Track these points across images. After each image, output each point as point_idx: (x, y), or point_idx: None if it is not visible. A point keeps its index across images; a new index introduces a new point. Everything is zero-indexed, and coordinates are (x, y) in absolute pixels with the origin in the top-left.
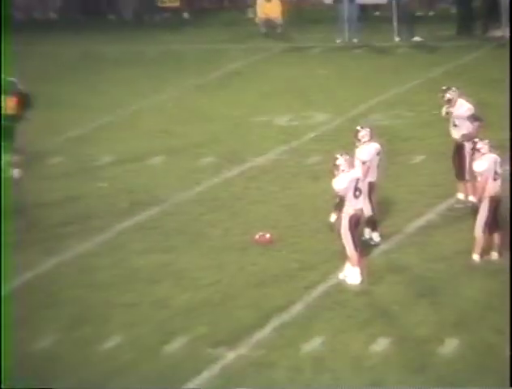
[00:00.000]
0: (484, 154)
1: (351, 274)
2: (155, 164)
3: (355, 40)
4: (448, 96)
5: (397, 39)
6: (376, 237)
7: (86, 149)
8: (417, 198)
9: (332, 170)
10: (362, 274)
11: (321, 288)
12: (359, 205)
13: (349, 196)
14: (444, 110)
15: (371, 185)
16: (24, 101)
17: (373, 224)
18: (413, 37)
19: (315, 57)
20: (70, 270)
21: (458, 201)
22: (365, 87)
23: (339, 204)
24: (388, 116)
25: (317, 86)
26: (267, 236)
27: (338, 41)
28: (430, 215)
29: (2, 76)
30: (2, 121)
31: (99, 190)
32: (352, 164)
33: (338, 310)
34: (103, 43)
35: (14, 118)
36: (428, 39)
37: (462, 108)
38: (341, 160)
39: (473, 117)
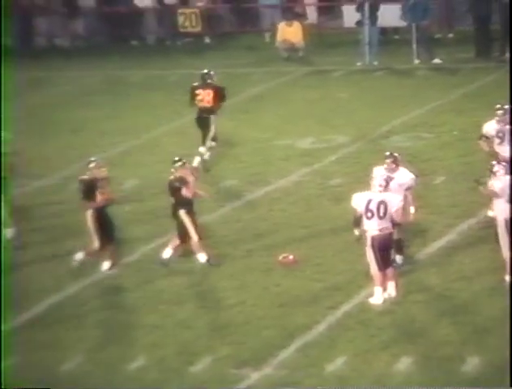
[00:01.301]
0: (499, 176)
1: (374, 293)
2: None
3: (375, 63)
4: (502, 112)
5: (416, 61)
6: (399, 259)
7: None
8: (438, 219)
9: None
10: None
11: (344, 308)
12: (372, 226)
13: (363, 216)
14: (494, 128)
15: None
16: (220, 94)
17: (398, 246)
18: (433, 59)
19: (336, 80)
20: (96, 292)
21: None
22: (386, 109)
23: (356, 221)
24: (408, 137)
25: (339, 108)
26: (291, 257)
27: (358, 64)
28: (451, 236)
29: None
30: (199, 115)
31: (123, 214)
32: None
33: (361, 330)
34: (126, 68)
35: (211, 110)
36: (447, 61)
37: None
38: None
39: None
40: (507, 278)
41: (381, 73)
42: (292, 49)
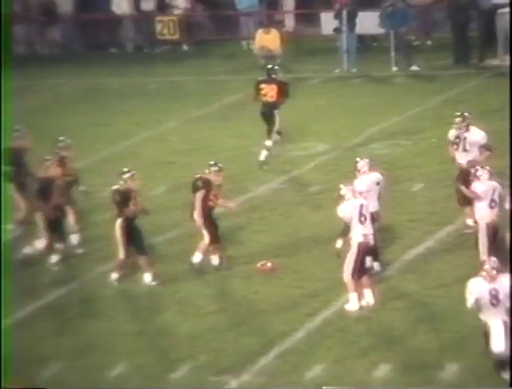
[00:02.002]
0: (483, 180)
1: (350, 300)
2: (157, 194)
3: (353, 70)
4: (465, 120)
5: (394, 68)
6: (377, 266)
7: (89, 180)
8: (416, 226)
9: (337, 200)
10: (360, 300)
11: (323, 316)
12: (365, 231)
13: (355, 223)
14: (453, 134)
15: (372, 216)
16: (284, 89)
17: (374, 253)
18: (411, 66)
19: (314, 88)
20: (75, 299)
21: (467, 226)
22: (364, 116)
23: (345, 231)
24: (386, 145)
25: (317, 116)
26: (269, 264)
27: (336, 71)
28: (429, 243)
29: None
30: (263, 109)
31: (102, 221)
32: (355, 193)
33: (339, 337)
34: (105, 76)
35: (275, 105)
36: (425, 68)
37: (478, 134)
38: (345, 190)
39: (486, 146)
40: None
41: (359, 80)
42: (269, 56)
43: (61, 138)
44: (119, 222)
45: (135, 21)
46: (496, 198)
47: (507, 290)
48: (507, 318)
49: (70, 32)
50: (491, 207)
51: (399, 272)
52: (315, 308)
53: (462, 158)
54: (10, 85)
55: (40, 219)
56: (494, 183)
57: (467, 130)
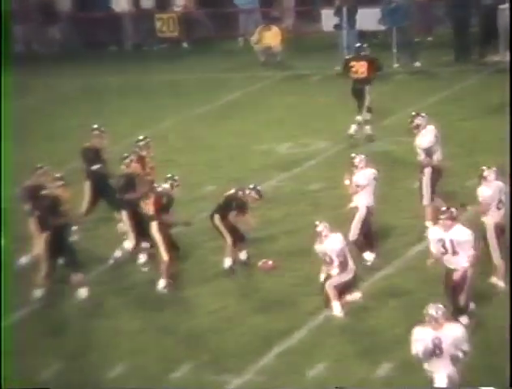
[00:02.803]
0: (490, 181)
1: (334, 309)
2: None
3: None
4: (417, 121)
5: (396, 65)
6: (370, 256)
7: None
8: (417, 223)
9: (314, 237)
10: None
11: (324, 314)
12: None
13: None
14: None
15: (369, 210)
16: (375, 65)
17: (370, 244)
18: (414, 62)
19: (315, 85)
20: (75, 298)
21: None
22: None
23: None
24: (388, 142)
25: (317, 113)
26: (270, 262)
27: (337, 68)
28: None
29: None
30: (354, 85)
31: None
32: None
33: (341, 336)
34: (104, 74)
35: (366, 81)
36: (426, 65)
37: (425, 138)
38: (321, 227)
39: (429, 151)
40: (493, 280)
41: None
42: (269, 53)
43: (141, 137)
44: (154, 224)
45: (134, 19)
46: (503, 198)
47: (451, 340)
48: (452, 370)
49: (69, 30)
50: (498, 208)
51: (400, 270)
52: (317, 306)
53: (418, 158)
54: (8, 84)
55: (126, 218)
56: (500, 183)
57: (420, 131)
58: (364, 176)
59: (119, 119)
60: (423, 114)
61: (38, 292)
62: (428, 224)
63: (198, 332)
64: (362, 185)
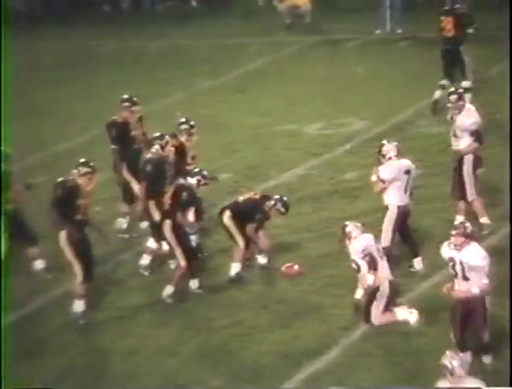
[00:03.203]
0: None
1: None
2: None
3: (399, 31)
4: (455, 96)
5: None
6: (418, 263)
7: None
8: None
9: (343, 239)
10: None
11: (361, 330)
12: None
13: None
14: (449, 115)
15: (401, 210)
16: (461, 21)
17: (410, 251)
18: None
19: (350, 53)
20: (59, 311)
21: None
22: (411, 87)
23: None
24: (438, 122)
25: (354, 87)
26: (296, 267)
27: (378, 32)
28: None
29: None
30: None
31: (94, 215)
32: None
33: (382, 357)
34: (96, 38)
35: (455, 41)
36: (483, 29)
37: (468, 119)
38: (351, 227)
39: (477, 133)
40: None
41: (405, 43)
42: (296, 13)
43: (183, 119)
44: (168, 223)
45: None
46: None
47: None
48: None
49: None
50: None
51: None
52: (352, 320)
53: (454, 144)
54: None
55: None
56: (406, 162)
57: (460, 110)
58: (389, 168)
59: (114, 93)
60: (461, 90)
61: (79, 305)
62: (484, 220)
63: (207, 351)
64: (388, 180)
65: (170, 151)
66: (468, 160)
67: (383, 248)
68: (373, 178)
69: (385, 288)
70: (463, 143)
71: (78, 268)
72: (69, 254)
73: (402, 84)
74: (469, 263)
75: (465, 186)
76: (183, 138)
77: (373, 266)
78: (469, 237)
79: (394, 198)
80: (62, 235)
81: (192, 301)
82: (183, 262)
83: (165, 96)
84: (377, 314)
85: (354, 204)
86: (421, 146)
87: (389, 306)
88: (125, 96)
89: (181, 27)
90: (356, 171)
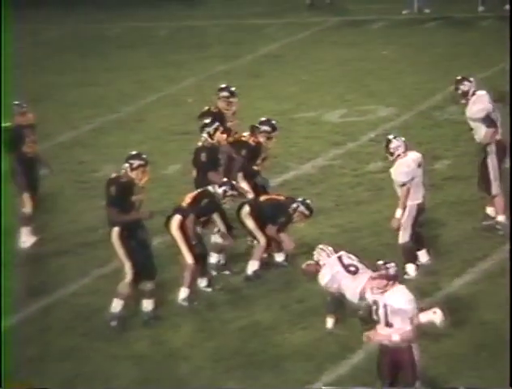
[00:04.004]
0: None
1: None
2: (170, 174)
3: (427, 11)
4: (462, 87)
5: (481, 8)
6: (423, 256)
7: (81, 156)
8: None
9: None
10: None
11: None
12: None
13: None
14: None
15: (420, 207)
16: None
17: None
18: (504, 5)
19: (376, 34)
20: (64, 313)
21: (487, 217)
22: (441, 71)
23: (330, 306)
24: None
25: (379, 71)
26: (317, 265)
27: (405, 12)
28: None
29: None
30: None
31: (99, 210)
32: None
33: None
34: (102, 20)
35: None
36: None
37: (475, 107)
38: (317, 255)
39: (488, 120)
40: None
41: (434, 24)
42: None
43: (264, 119)
44: (177, 220)
45: None
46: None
47: None
48: None
49: None
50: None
51: (486, 276)
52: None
53: (474, 135)
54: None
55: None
56: (415, 155)
57: (467, 101)
58: (404, 169)
59: (122, 77)
60: (471, 79)
61: (117, 305)
62: (501, 218)
63: (222, 355)
64: (408, 181)
65: (221, 138)
66: (491, 151)
67: (401, 244)
68: (397, 214)
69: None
70: (479, 133)
71: (128, 267)
72: (120, 251)
73: (430, 68)
74: (393, 307)
75: (490, 179)
76: (261, 139)
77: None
78: (393, 278)
79: (413, 197)
80: (115, 231)
81: (204, 302)
82: (190, 261)
83: (176, 80)
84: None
85: (379, 197)
86: (451, 134)
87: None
88: (223, 85)
89: (193, 7)
90: (381, 161)
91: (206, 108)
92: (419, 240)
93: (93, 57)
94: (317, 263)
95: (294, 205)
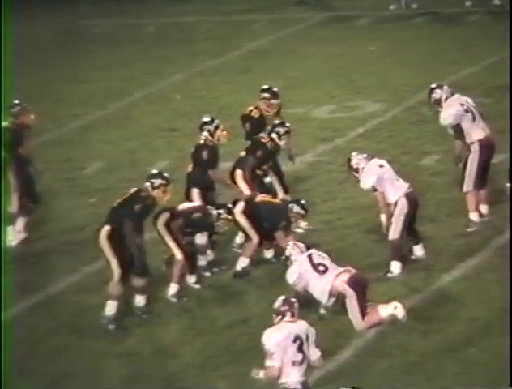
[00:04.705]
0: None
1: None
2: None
3: (414, 6)
4: (434, 96)
5: (469, 3)
6: (418, 250)
7: (69, 153)
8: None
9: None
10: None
11: (376, 328)
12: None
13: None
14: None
15: (410, 199)
16: None
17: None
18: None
19: (363, 30)
20: (53, 310)
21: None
22: (428, 66)
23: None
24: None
25: (367, 67)
26: None
27: (392, 8)
28: None
29: None
30: None
31: (87, 208)
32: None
33: (399, 356)
34: (89, 17)
35: None
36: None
37: (444, 112)
38: (290, 250)
39: (457, 128)
40: None
41: (421, 19)
42: None
43: (278, 122)
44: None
45: None
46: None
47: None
48: None
49: None
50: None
51: (477, 271)
52: None
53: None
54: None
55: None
56: (375, 160)
57: (441, 106)
58: (367, 175)
59: (109, 74)
60: (445, 87)
61: (111, 307)
62: (473, 216)
63: (211, 353)
64: (375, 184)
65: (222, 136)
66: (475, 150)
67: (390, 241)
68: (382, 219)
69: (348, 291)
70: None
71: (115, 265)
72: (106, 249)
73: (418, 64)
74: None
75: (464, 176)
76: (281, 143)
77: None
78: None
79: (395, 192)
80: (104, 230)
81: (194, 299)
82: (180, 257)
83: (163, 77)
84: (358, 321)
85: (367, 193)
86: (439, 130)
87: (364, 308)
88: (265, 87)
89: (180, 3)
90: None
91: (249, 109)
92: (414, 235)
93: (80, 54)
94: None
95: (289, 206)
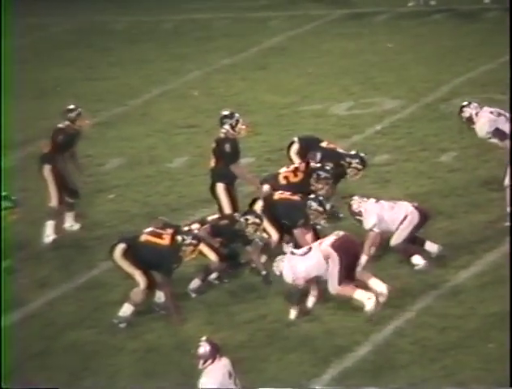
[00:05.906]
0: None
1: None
2: (176, 167)
3: (432, 3)
4: (464, 115)
5: (486, 0)
6: (417, 259)
7: (87, 150)
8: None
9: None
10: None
11: (394, 324)
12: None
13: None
14: None
15: (420, 211)
16: None
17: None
18: None
19: (381, 26)
20: (70, 306)
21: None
22: (447, 63)
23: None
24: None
25: (385, 63)
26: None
27: (410, 4)
28: None
29: None
30: None
31: (106, 204)
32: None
33: (417, 353)
34: (106, 14)
35: None
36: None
37: (477, 126)
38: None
39: (498, 133)
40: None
41: (439, 16)
42: None
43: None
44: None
45: None
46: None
47: None
48: None
49: None
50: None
51: (495, 268)
52: (383, 315)
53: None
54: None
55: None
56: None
57: (474, 122)
58: (369, 213)
59: (127, 71)
60: (475, 104)
61: (127, 309)
62: None
63: (229, 348)
64: (377, 222)
65: (242, 130)
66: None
67: (392, 246)
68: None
69: (331, 254)
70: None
71: (139, 275)
72: (125, 266)
73: (436, 60)
74: None
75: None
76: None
77: None
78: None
79: (403, 209)
80: (119, 248)
81: (213, 294)
82: (214, 259)
83: (181, 74)
84: (333, 283)
85: (385, 190)
86: (457, 126)
87: (351, 273)
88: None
89: (198, 0)
90: (387, 154)
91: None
92: (416, 241)
93: (98, 51)
94: None
95: (307, 203)
